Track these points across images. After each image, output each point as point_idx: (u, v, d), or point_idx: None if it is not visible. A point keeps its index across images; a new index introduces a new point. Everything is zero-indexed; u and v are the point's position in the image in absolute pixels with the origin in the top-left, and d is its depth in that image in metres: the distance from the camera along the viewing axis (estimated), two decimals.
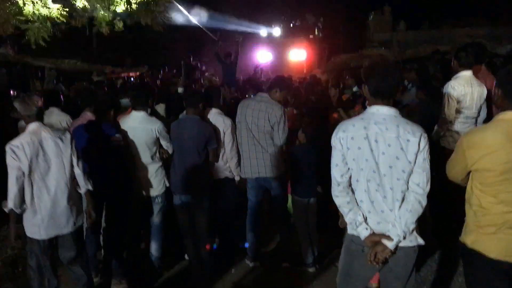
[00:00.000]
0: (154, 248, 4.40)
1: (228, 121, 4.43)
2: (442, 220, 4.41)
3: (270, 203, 4.72)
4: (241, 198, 4.74)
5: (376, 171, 2.34)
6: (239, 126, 4.40)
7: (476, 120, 4.42)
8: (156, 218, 4.40)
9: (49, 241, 3.31)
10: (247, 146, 4.35)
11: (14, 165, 3.06)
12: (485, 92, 4.33)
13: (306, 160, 4.35)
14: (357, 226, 2.41)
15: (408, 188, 2.35)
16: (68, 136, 3.32)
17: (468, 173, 2.41)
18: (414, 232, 2.39)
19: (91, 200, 3.51)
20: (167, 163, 4.38)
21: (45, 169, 3.18)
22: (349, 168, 2.42)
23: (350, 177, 2.44)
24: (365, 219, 2.41)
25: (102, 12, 9.73)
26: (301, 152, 4.39)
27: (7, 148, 3.07)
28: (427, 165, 2.32)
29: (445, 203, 4.20)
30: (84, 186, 3.43)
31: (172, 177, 4.29)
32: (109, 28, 10.80)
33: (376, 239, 2.37)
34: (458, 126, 4.36)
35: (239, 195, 4.74)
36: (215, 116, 4.44)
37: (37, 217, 3.22)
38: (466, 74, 4.34)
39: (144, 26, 11.44)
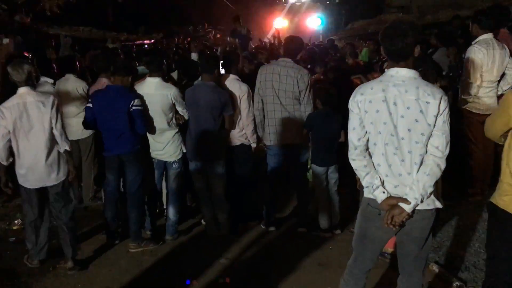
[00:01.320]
0: (171, 212, 4.47)
1: (244, 87, 4.38)
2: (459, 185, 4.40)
3: (288, 169, 4.69)
4: (256, 165, 4.75)
5: (395, 134, 2.31)
6: (263, 93, 4.28)
7: (498, 85, 4.34)
8: (173, 183, 4.45)
9: (37, 191, 3.76)
10: (274, 113, 4.26)
11: (1, 123, 3.50)
12: (508, 54, 4.23)
13: (323, 127, 4.30)
14: (374, 190, 2.40)
15: (426, 152, 2.33)
16: (50, 100, 3.60)
17: (508, 131, 2.37)
18: (432, 196, 2.37)
19: (70, 159, 3.87)
20: (183, 129, 4.39)
21: (28, 128, 3.55)
22: (366, 132, 2.40)
23: (368, 141, 2.43)
24: (382, 183, 2.40)
25: None
26: (318, 119, 4.28)
27: None
28: (447, 127, 2.28)
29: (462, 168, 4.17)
30: (61, 146, 3.72)
31: (187, 143, 4.31)
32: None
33: (393, 202, 2.35)
34: (480, 90, 4.29)
35: (254, 162, 4.75)
36: (232, 82, 4.40)
37: (22, 169, 3.66)
38: (487, 37, 4.24)
39: None
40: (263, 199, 4.70)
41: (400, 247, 2.58)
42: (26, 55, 6.51)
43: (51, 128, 3.62)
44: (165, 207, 4.73)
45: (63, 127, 3.72)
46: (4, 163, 3.62)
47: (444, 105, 2.25)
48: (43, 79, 4.89)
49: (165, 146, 4.32)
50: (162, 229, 4.55)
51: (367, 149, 2.45)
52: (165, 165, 4.45)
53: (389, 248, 3.66)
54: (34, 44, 9.17)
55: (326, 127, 4.28)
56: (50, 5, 9.40)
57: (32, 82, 3.62)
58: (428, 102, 2.24)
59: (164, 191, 4.72)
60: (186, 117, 4.33)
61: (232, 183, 4.58)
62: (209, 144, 4.21)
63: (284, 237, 4.53)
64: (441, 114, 2.26)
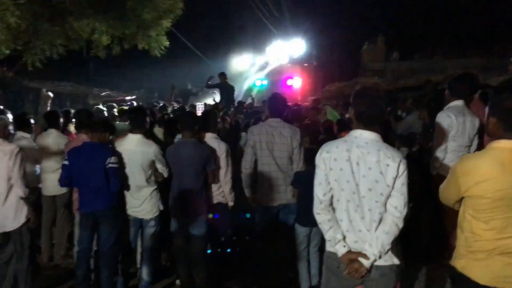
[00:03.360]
0: (145, 272, 4.35)
1: (223, 146, 4.44)
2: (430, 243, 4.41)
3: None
4: (233, 224, 4.70)
5: (356, 192, 2.44)
6: (258, 153, 4.27)
7: (469, 150, 4.45)
8: (148, 242, 4.36)
9: (1, 234, 3.96)
10: (270, 174, 4.25)
11: None
12: (478, 122, 4.37)
13: (309, 186, 4.27)
14: (335, 244, 2.51)
15: (385, 210, 2.44)
16: (7, 148, 3.83)
17: (461, 199, 2.43)
18: (390, 252, 2.48)
19: (28, 206, 4.00)
20: (162, 186, 4.36)
21: None
22: (331, 188, 2.52)
23: (332, 196, 2.54)
24: (344, 238, 2.50)
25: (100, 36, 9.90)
26: (305, 178, 4.30)
27: None
28: (405, 189, 2.41)
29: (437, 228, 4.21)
30: (19, 193, 3.89)
31: (170, 201, 4.27)
32: (106, 52, 10.96)
33: (353, 256, 2.46)
34: (451, 155, 4.39)
35: (231, 221, 4.70)
36: (211, 140, 4.45)
37: None
38: (458, 103, 4.39)
39: (141, 51, 11.61)
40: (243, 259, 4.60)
41: None
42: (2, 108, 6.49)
43: (8, 175, 3.81)
44: (138, 266, 4.59)
45: (23, 176, 3.89)
46: None
47: (402, 168, 2.39)
48: (20, 133, 4.87)
49: (142, 203, 4.27)
50: None
51: (331, 204, 2.56)
52: (141, 223, 4.37)
53: None
54: (13, 98, 9.17)
55: (311, 186, 4.27)
56: (32, 60, 9.48)
57: (3, 135, 3.93)
58: (388, 165, 2.37)
59: (139, 250, 4.60)
60: (166, 175, 4.32)
61: (211, 242, 4.50)
62: (192, 200, 4.18)
63: None
64: (399, 176, 2.39)
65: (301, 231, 4.35)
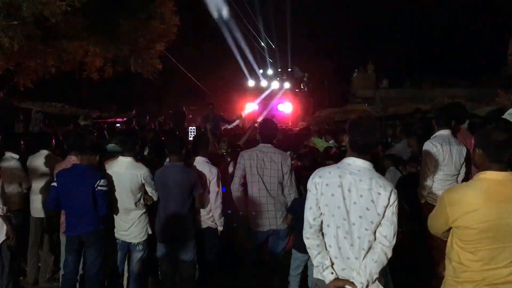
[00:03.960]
0: None
1: (214, 170, 4.43)
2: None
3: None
4: (222, 248, 4.66)
5: (347, 219, 2.44)
6: (249, 178, 4.27)
7: (457, 179, 4.50)
8: (135, 266, 4.30)
9: None
10: (259, 199, 4.24)
11: None
12: (465, 151, 4.43)
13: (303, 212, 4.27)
14: (323, 270, 2.49)
15: (375, 239, 2.45)
16: None
17: (449, 229, 2.45)
18: (377, 281, 2.47)
19: (7, 224, 3.98)
20: (151, 210, 4.33)
21: None
22: (321, 213, 2.53)
23: (322, 222, 2.54)
24: (332, 264, 2.49)
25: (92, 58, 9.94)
26: (301, 204, 4.27)
27: None
28: (395, 219, 2.43)
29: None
30: None
31: (156, 225, 4.23)
32: (98, 74, 10.99)
33: (340, 284, 2.45)
34: (438, 184, 4.43)
35: (220, 245, 4.67)
36: (201, 164, 4.45)
37: None
38: (444, 133, 4.46)
39: (134, 73, 11.66)
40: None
41: None
42: None
43: None
44: None
45: (1, 194, 3.90)
46: None
47: (394, 198, 2.41)
48: (8, 154, 4.84)
49: (130, 226, 4.23)
50: None
51: (321, 229, 2.56)
52: (128, 247, 4.32)
53: None
54: (2, 119, 9.12)
55: None
56: (23, 81, 9.47)
57: None
58: (379, 193, 2.39)
59: (126, 274, 4.53)
60: (155, 198, 4.30)
61: (200, 267, 4.46)
62: (179, 225, 4.15)
63: None
64: (390, 205, 2.41)
65: (297, 257, 4.33)
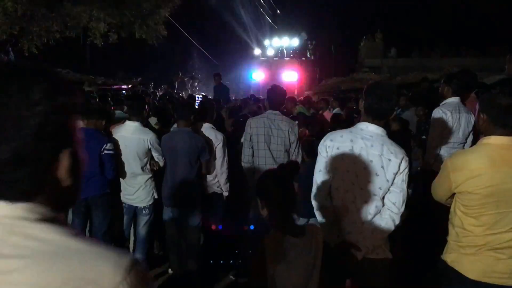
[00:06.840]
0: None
1: (220, 136, 4.43)
2: (425, 239, 4.43)
3: None
4: (227, 214, 4.71)
5: (355, 183, 2.43)
6: (255, 146, 4.25)
7: (463, 147, 4.47)
8: (141, 230, 4.37)
9: None
10: (265, 167, 4.17)
11: None
12: (473, 119, 4.39)
13: (306, 179, 4.29)
14: (328, 232, 2.48)
15: (382, 205, 2.44)
16: None
17: (453, 195, 2.45)
18: (383, 246, 2.49)
19: None
20: (157, 175, 4.36)
21: None
22: (330, 176, 2.51)
23: (331, 185, 2.53)
24: (338, 227, 2.50)
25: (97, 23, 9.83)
26: (304, 171, 4.29)
27: None
28: (404, 186, 2.42)
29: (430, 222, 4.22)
30: None
31: (163, 190, 4.26)
32: (103, 39, 10.89)
33: (345, 247, 2.45)
34: (445, 151, 4.42)
35: (226, 211, 4.71)
36: (207, 130, 4.44)
37: None
38: (454, 100, 4.41)
39: (138, 39, 11.55)
40: (237, 249, 4.62)
41: None
42: None
43: None
44: None
45: None
46: None
47: (404, 165, 2.39)
48: None
49: (136, 190, 4.27)
50: None
51: (329, 192, 2.54)
52: (135, 211, 4.37)
53: None
54: None
55: (312, 178, 4.28)
56: (29, 46, 9.41)
57: None
58: (390, 160, 2.37)
59: (132, 238, 4.61)
60: (161, 164, 4.31)
61: (204, 232, 4.52)
62: (186, 190, 4.17)
63: None
64: (400, 173, 2.39)
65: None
